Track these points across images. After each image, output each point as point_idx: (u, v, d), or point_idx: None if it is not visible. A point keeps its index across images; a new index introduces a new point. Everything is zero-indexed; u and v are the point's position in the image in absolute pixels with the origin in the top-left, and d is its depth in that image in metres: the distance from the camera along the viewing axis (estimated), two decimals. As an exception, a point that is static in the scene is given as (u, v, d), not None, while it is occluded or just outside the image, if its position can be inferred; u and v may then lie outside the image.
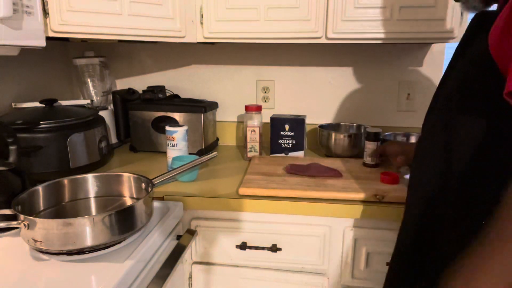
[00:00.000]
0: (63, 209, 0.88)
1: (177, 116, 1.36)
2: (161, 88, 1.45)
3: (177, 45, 1.52)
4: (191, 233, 0.94)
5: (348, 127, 1.45)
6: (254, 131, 1.30)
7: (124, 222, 0.74)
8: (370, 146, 1.16)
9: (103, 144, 1.22)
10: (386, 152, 1.11)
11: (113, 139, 1.45)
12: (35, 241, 0.69)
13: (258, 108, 1.31)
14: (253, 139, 1.30)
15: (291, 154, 1.32)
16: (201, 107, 1.34)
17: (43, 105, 1.16)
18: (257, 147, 1.31)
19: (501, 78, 0.50)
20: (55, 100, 1.18)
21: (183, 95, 1.56)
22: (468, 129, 0.57)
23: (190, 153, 1.23)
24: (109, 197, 0.93)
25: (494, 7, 0.64)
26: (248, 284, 1.04)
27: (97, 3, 1.00)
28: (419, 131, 1.43)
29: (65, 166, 1.09)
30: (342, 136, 1.30)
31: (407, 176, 1.06)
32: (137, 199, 0.91)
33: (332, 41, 1.15)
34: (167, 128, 1.17)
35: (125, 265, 0.69)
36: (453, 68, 0.65)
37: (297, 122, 1.29)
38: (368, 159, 1.17)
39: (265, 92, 1.52)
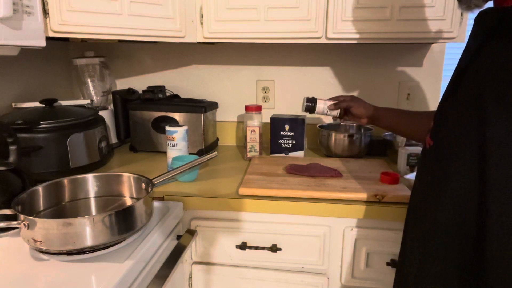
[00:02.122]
0: (63, 209, 0.88)
1: (177, 116, 1.36)
2: (161, 88, 1.45)
3: (177, 45, 1.52)
4: (191, 233, 0.94)
5: (348, 127, 1.45)
6: (254, 131, 1.30)
7: (124, 222, 0.73)
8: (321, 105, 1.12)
9: (103, 144, 1.22)
10: (352, 112, 1.08)
11: (113, 139, 1.45)
12: (35, 241, 0.69)
13: (258, 108, 1.31)
14: (253, 139, 1.30)
15: (291, 154, 1.32)
16: (201, 107, 1.34)
17: (43, 105, 1.16)
18: (257, 147, 1.31)
19: None
20: (55, 100, 1.18)
21: (183, 95, 1.56)
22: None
23: (190, 153, 1.23)
24: (109, 197, 0.93)
25: (490, 4, 0.63)
26: (248, 284, 1.04)
27: (97, 3, 1.00)
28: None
29: (65, 166, 1.09)
30: (342, 136, 1.30)
31: (407, 176, 1.06)
32: (137, 199, 0.91)
33: (332, 41, 1.15)
34: (167, 128, 1.17)
35: (125, 265, 0.69)
36: (467, 70, 0.60)
37: (297, 122, 1.29)
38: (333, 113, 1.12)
39: (265, 92, 1.52)
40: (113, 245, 0.73)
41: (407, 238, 0.70)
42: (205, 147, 1.38)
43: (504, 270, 0.54)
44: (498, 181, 0.54)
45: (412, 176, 1.04)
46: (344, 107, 1.09)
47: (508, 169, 0.53)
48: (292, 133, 1.30)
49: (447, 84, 0.66)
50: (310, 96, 1.12)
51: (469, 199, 0.57)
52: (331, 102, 1.11)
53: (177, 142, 1.16)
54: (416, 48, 1.41)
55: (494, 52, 0.56)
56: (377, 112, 1.06)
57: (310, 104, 1.11)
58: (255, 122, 1.30)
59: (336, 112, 1.11)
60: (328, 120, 1.50)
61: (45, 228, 0.68)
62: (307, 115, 1.49)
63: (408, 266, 0.68)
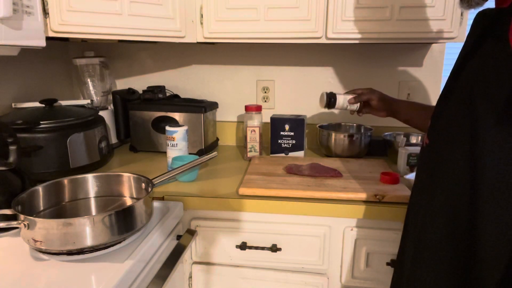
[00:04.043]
0: (63, 209, 0.88)
1: (177, 116, 1.36)
2: (161, 88, 1.45)
3: (177, 45, 1.52)
4: (191, 233, 0.94)
5: (348, 127, 1.45)
6: (254, 131, 1.30)
7: (124, 222, 0.74)
8: (341, 99, 1.09)
9: (103, 144, 1.22)
10: (372, 105, 1.07)
11: (113, 139, 1.45)
12: (35, 241, 0.69)
13: (258, 108, 1.31)
14: (253, 139, 1.30)
15: (291, 154, 1.32)
16: (201, 107, 1.34)
17: (43, 105, 1.16)
18: (257, 147, 1.31)
19: None
20: (55, 100, 1.18)
21: (183, 95, 1.56)
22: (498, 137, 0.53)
23: (190, 153, 1.23)
24: (109, 197, 0.93)
25: (491, 3, 0.63)
26: (248, 284, 1.04)
27: (97, 3, 1.00)
28: (419, 131, 1.42)
29: (65, 166, 1.09)
30: (342, 136, 1.30)
31: (407, 176, 1.06)
32: (137, 199, 0.91)
33: (332, 41, 1.15)
34: (167, 128, 1.17)
35: (125, 265, 0.69)
36: (462, 69, 0.61)
37: (297, 122, 1.29)
38: (352, 107, 1.11)
39: (265, 92, 1.52)
40: (113, 245, 0.73)
41: (407, 233, 0.72)
42: (205, 147, 1.38)
43: (493, 265, 0.55)
44: (488, 181, 0.55)
45: (412, 176, 1.04)
46: (365, 100, 1.07)
47: (498, 170, 0.54)
48: (292, 133, 1.30)
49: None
50: (328, 91, 1.10)
51: (461, 197, 0.58)
52: (350, 96, 1.09)
53: (177, 142, 1.16)
54: (416, 48, 1.41)
55: (486, 53, 0.57)
56: (397, 105, 1.05)
57: (331, 100, 1.08)
58: (255, 122, 1.30)
59: (356, 106, 1.09)
60: (328, 120, 1.50)
61: (45, 228, 0.68)
62: (307, 114, 1.49)
63: (405, 256, 0.70)
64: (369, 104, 1.08)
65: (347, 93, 1.11)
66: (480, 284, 0.56)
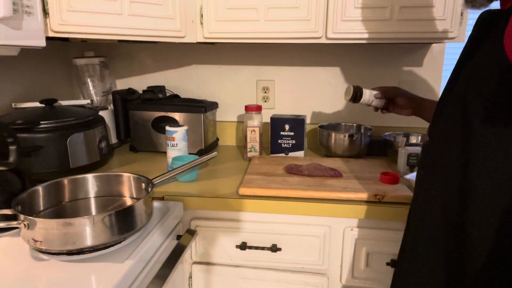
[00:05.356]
0: (63, 209, 0.88)
1: (177, 116, 1.36)
2: (161, 88, 1.45)
3: (177, 45, 1.52)
4: (191, 233, 0.94)
5: (348, 127, 1.45)
6: (254, 131, 1.30)
7: (124, 222, 0.74)
8: (367, 95, 1.08)
9: (103, 144, 1.22)
10: (397, 102, 1.05)
11: (113, 139, 1.45)
12: (35, 241, 0.69)
13: (258, 108, 1.31)
14: (253, 139, 1.30)
15: (291, 154, 1.32)
16: (201, 107, 1.34)
17: (43, 105, 1.16)
18: (257, 147, 1.31)
19: None
20: (55, 100, 1.18)
21: (183, 95, 1.56)
22: (492, 140, 0.55)
23: (190, 153, 1.23)
24: (109, 197, 0.93)
25: (496, 4, 0.64)
26: (248, 284, 1.04)
27: (97, 3, 1.00)
28: (419, 131, 1.43)
29: (65, 166, 1.09)
30: (342, 136, 1.30)
31: (407, 176, 1.06)
32: (137, 199, 0.91)
33: (332, 41, 1.15)
34: (167, 128, 1.17)
35: (125, 265, 0.69)
36: (462, 69, 0.62)
37: (297, 122, 1.29)
38: (377, 102, 1.09)
39: (265, 92, 1.52)
40: (113, 245, 0.73)
41: (408, 228, 0.74)
42: (205, 147, 1.38)
43: (480, 262, 0.57)
44: (477, 176, 0.56)
45: (412, 176, 1.04)
46: (390, 96, 1.06)
47: (487, 166, 0.55)
48: (292, 133, 1.30)
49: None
50: (355, 85, 1.09)
51: (453, 193, 0.60)
52: (377, 92, 1.07)
53: (177, 142, 1.16)
54: (416, 48, 1.41)
55: (483, 54, 0.58)
56: (422, 104, 1.03)
57: (358, 93, 1.07)
58: (255, 122, 1.30)
59: (382, 102, 1.08)
60: (328, 120, 1.50)
61: (45, 228, 0.68)
62: (307, 114, 1.49)
63: (405, 251, 0.72)
64: (394, 102, 1.06)
65: (373, 89, 1.10)
66: (468, 278, 0.58)
